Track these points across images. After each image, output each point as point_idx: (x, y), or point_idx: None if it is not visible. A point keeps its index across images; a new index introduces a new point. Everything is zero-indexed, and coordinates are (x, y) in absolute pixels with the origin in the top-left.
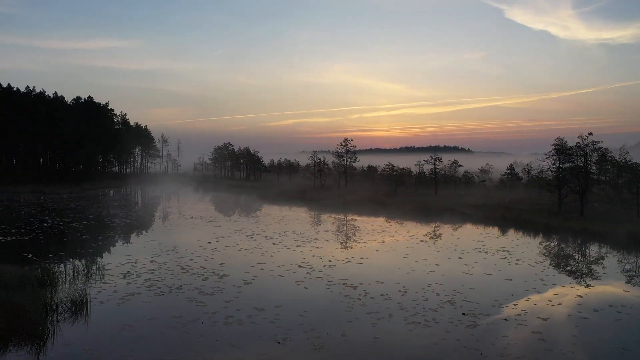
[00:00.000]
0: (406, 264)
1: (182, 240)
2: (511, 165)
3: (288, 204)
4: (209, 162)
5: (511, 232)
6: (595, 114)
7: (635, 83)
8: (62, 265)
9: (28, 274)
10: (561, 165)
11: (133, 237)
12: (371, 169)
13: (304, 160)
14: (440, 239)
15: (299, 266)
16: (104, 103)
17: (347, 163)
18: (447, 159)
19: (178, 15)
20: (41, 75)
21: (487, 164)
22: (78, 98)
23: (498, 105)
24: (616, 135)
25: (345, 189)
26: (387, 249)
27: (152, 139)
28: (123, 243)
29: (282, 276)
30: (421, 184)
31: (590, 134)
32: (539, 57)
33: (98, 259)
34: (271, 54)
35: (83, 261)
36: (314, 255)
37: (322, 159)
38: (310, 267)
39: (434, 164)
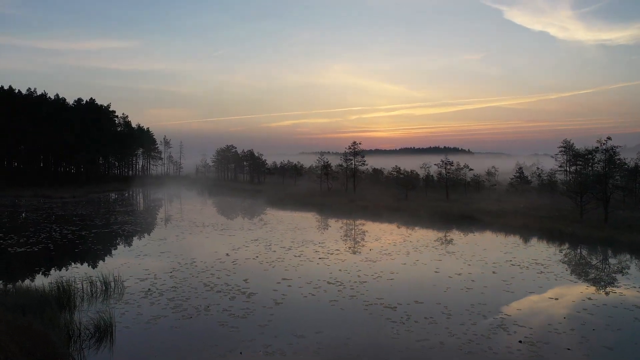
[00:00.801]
0: (440, 280)
1: (198, 251)
2: (520, 168)
3: (298, 210)
4: (211, 164)
5: (537, 242)
6: (594, 115)
7: (634, 84)
8: (78, 282)
9: (46, 294)
10: (576, 169)
11: (146, 247)
12: (377, 172)
13: (303, 161)
14: (468, 250)
15: (328, 282)
16: (105, 105)
17: (355, 166)
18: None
19: (178, 16)
20: (40, 76)
21: (493, 167)
22: (79, 100)
23: (497, 106)
24: (615, 136)
25: (354, 193)
26: (414, 261)
27: (154, 141)
28: (137, 255)
29: (312, 295)
30: (429, 187)
31: (609, 138)
32: (537, 58)
33: (115, 273)
34: (270, 55)
35: (100, 276)
36: (340, 270)
37: (327, 161)
38: (339, 283)
39: (445, 168)
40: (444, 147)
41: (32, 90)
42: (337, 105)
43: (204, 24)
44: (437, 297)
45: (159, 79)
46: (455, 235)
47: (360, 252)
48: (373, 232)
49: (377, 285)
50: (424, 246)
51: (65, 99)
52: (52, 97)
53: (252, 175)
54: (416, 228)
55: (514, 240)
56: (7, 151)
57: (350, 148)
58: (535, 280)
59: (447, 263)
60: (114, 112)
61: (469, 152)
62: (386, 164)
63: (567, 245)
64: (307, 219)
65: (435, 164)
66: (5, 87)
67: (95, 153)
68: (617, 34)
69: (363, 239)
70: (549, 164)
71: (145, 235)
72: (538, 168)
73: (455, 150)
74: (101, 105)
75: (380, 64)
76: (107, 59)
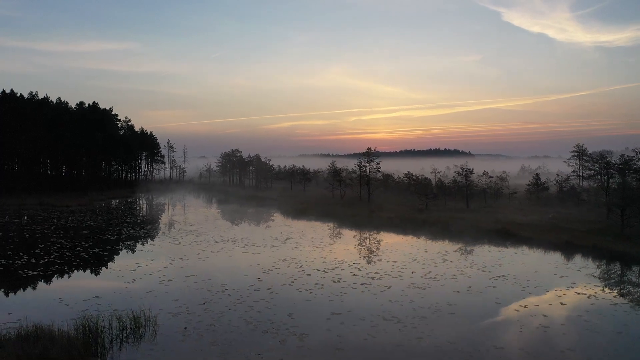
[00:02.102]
0: (509, 317)
1: (227, 275)
2: (537, 174)
3: (316, 220)
4: (215, 168)
5: (587, 262)
6: (592, 117)
7: (632, 86)
8: (104, 318)
9: (72, 338)
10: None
11: (169, 270)
12: (386, 177)
13: (304, 164)
14: (519, 273)
15: (384, 319)
16: (108, 108)
17: (370, 173)
18: (449, 162)
19: (176, 18)
20: (39, 77)
21: (504, 171)
22: (82, 103)
23: (495, 108)
24: (614, 138)
25: (371, 202)
26: (466, 288)
27: (158, 145)
28: (162, 280)
29: (372, 336)
30: (443, 194)
31: None
32: (536, 59)
33: (142, 305)
34: (269, 56)
35: (127, 311)
36: (390, 300)
37: (337, 166)
38: (397, 319)
39: (465, 176)
40: (445, 149)
41: (34, 93)
42: (335, 107)
43: (202, 26)
44: (517, 341)
45: (156, 80)
46: (497, 253)
47: (402, 276)
48: (406, 249)
49: (441, 322)
50: (468, 268)
51: (67, 103)
52: (54, 100)
53: (258, 180)
54: (451, 244)
55: (562, 260)
56: (10, 156)
57: (365, 154)
58: (614, 315)
59: (504, 290)
60: (117, 115)
61: (469, 154)
62: (387, 167)
63: (627, 268)
64: (330, 233)
65: (455, 172)
66: (7, 92)
67: (98, 157)
68: (615, 36)
69: (400, 259)
70: (554, 167)
71: (164, 253)
72: (558, 175)
73: (455, 153)
74: (104, 109)
75: (379, 65)
76: (105, 60)
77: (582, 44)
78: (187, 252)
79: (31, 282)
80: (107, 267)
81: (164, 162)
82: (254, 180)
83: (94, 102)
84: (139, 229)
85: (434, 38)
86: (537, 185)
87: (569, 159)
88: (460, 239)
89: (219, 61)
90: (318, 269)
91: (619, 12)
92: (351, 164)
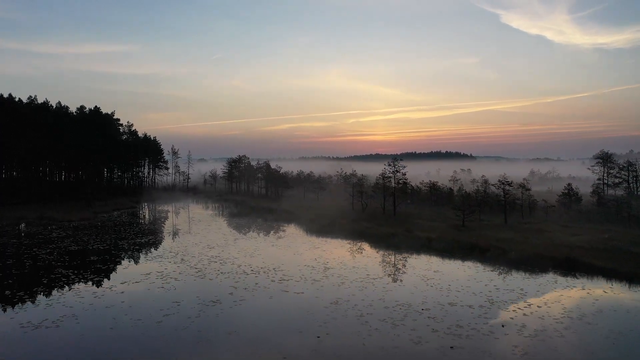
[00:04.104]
0: None
1: (276, 331)
2: (569, 184)
3: (344, 238)
4: (221, 174)
5: None
6: (590, 118)
7: (629, 87)
8: None
9: None
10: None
11: (202, 321)
12: (404, 184)
13: (304, 166)
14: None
15: None
16: (110, 112)
17: (395, 185)
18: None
19: (176, 20)
20: (38, 79)
21: (524, 179)
22: (82, 107)
23: (493, 110)
24: (613, 139)
25: (398, 216)
26: (587, 351)
27: (161, 151)
28: (197, 338)
29: None
30: (478, 207)
31: None
32: (534, 61)
33: None
34: (268, 59)
35: None
36: None
37: (347, 172)
38: None
39: (504, 189)
40: (446, 151)
41: (33, 97)
42: (334, 109)
43: (202, 28)
44: None
45: (155, 82)
46: (587, 295)
47: (495, 334)
48: (476, 287)
49: None
50: (566, 317)
51: (68, 107)
52: (54, 104)
53: (268, 188)
54: (523, 280)
55: None
56: (8, 163)
57: (390, 165)
58: None
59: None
60: (119, 120)
61: (471, 156)
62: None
63: None
64: (372, 260)
65: (492, 185)
66: (5, 96)
67: (100, 164)
68: (613, 38)
69: (476, 302)
70: (564, 171)
71: (192, 291)
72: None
73: (457, 155)
74: (106, 113)
75: (377, 68)
76: (105, 62)
77: (581, 45)
78: (218, 290)
79: (36, 343)
80: (128, 318)
81: (167, 168)
82: (264, 188)
83: (96, 106)
84: (154, 251)
85: (432, 40)
86: (570, 196)
87: (593, 166)
88: (527, 271)
89: (218, 63)
90: (385, 321)
91: (617, 14)
92: (352, 167)
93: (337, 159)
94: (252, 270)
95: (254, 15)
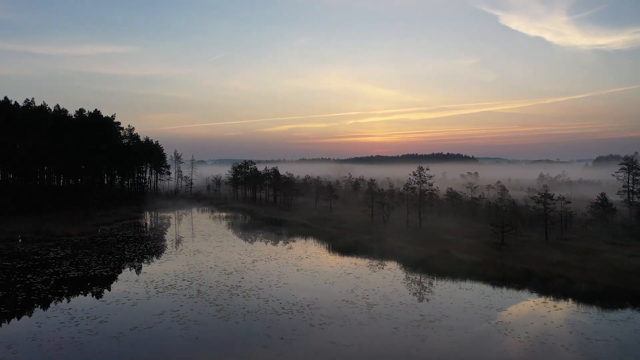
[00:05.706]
0: None
1: None
2: (602, 193)
3: (374, 259)
4: (226, 180)
5: None
6: (589, 119)
7: (628, 89)
8: None
9: None
10: None
11: None
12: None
13: (304, 169)
14: None
15: None
16: (110, 116)
17: (420, 194)
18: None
19: (176, 21)
20: (37, 80)
21: (545, 186)
22: (81, 110)
23: (493, 111)
24: (612, 140)
25: (424, 230)
26: None
27: (164, 156)
28: None
29: None
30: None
31: None
32: (533, 62)
33: None
34: (267, 60)
35: None
36: None
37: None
38: None
39: (544, 203)
40: (447, 153)
41: (30, 100)
42: (333, 110)
43: (201, 29)
44: None
45: (154, 83)
46: None
47: None
48: (560, 332)
49: None
50: None
51: (66, 110)
52: (52, 107)
53: (276, 194)
54: (604, 321)
55: None
56: (5, 166)
57: (416, 174)
58: None
59: None
60: (119, 123)
61: (472, 158)
62: (390, 173)
63: None
64: (416, 292)
65: (531, 198)
66: (1, 98)
67: (100, 170)
68: (612, 39)
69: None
70: (575, 174)
71: (216, 342)
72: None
73: (459, 157)
74: (106, 117)
75: (376, 69)
76: (104, 63)
77: (579, 47)
78: (248, 339)
79: None
80: None
81: (169, 173)
82: (272, 196)
83: (96, 109)
84: (163, 281)
85: (431, 41)
86: (604, 207)
87: (617, 172)
88: (605, 308)
89: (217, 64)
90: None
91: (616, 15)
92: (353, 170)
93: (338, 160)
94: (283, 309)
95: (254, 15)
